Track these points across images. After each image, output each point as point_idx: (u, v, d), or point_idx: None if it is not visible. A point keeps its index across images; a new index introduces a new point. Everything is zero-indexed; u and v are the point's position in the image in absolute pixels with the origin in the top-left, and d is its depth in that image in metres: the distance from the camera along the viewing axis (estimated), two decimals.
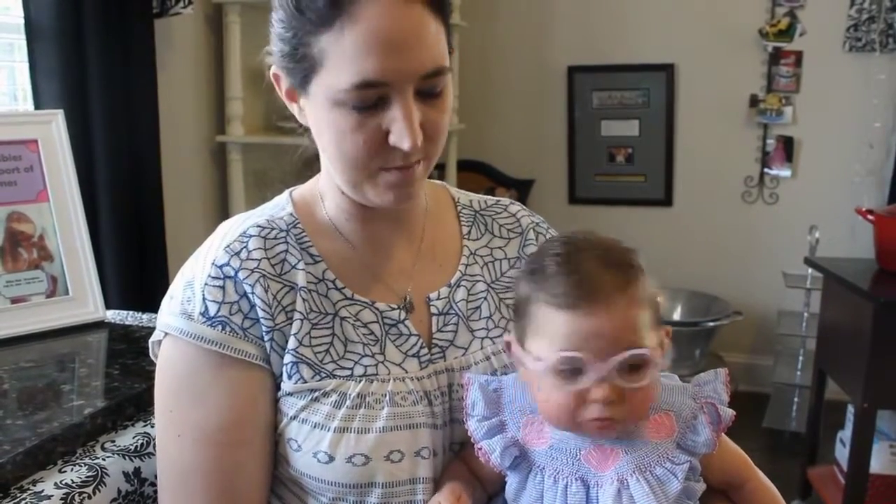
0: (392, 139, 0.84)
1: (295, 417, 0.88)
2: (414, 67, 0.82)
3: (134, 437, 1.06)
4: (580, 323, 0.80)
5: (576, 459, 0.84)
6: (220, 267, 0.90)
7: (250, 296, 0.89)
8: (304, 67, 0.85)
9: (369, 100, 0.83)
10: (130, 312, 1.50)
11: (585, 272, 0.81)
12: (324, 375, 0.89)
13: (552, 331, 0.81)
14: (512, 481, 0.86)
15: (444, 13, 0.86)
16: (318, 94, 0.85)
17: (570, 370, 0.80)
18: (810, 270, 3.17)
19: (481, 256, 1.03)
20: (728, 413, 0.86)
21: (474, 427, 0.87)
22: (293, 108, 0.93)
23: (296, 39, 0.84)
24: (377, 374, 0.90)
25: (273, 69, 0.91)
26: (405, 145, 0.83)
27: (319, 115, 0.87)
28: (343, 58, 0.81)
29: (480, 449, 0.85)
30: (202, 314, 0.88)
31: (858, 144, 3.55)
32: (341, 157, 0.87)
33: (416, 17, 0.82)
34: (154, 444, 1.03)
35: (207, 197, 2.83)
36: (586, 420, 0.81)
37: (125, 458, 1.02)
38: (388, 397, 0.89)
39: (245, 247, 0.91)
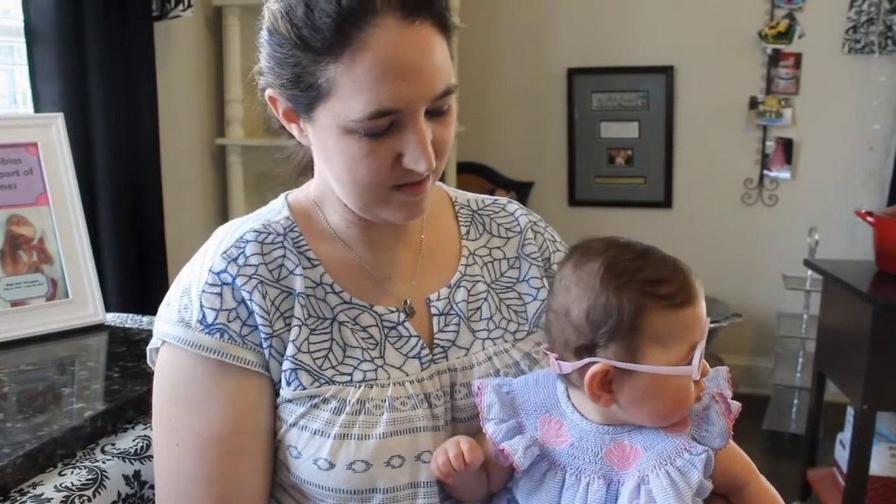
0: (407, 162, 0.84)
1: (294, 424, 0.87)
2: (427, 91, 0.82)
3: (134, 440, 1.06)
4: (695, 312, 0.84)
5: (598, 458, 0.85)
6: (218, 273, 0.89)
7: (248, 302, 0.88)
8: (309, 95, 0.83)
9: (382, 127, 0.82)
10: (130, 315, 1.50)
11: (677, 269, 0.85)
12: (323, 382, 0.88)
13: (678, 327, 0.83)
14: (527, 480, 0.86)
15: (449, 30, 0.86)
16: (326, 121, 0.84)
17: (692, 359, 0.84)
18: (810, 272, 3.17)
19: (480, 257, 1.03)
20: (736, 405, 0.87)
21: (493, 430, 0.87)
22: (291, 129, 0.92)
23: (299, 68, 0.83)
24: (377, 380, 0.90)
25: (269, 92, 0.89)
26: (421, 168, 0.84)
27: (327, 141, 0.86)
28: (355, 87, 0.80)
29: (502, 450, 0.85)
30: (200, 322, 0.87)
31: (858, 146, 3.56)
32: (353, 182, 0.86)
33: (425, 39, 0.82)
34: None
35: (207, 200, 2.83)
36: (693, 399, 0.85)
37: (125, 461, 1.02)
38: (387, 402, 0.88)
39: (242, 252, 0.90)
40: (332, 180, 0.91)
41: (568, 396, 0.90)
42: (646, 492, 0.81)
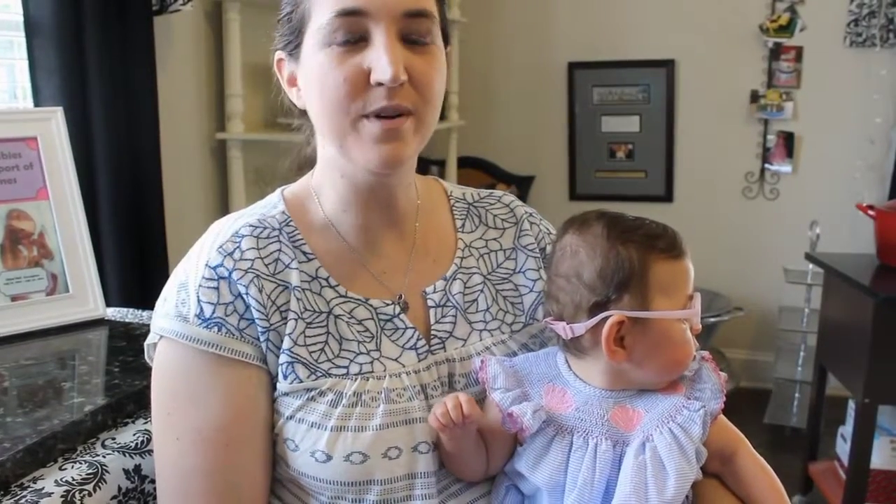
0: (373, 75, 0.84)
1: (291, 417, 0.88)
2: (394, 1, 0.84)
3: (134, 435, 1.06)
4: (688, 265, 0.92)
5: (604, 420, 0.87)
6: (214, 268, 0.89)
7: (245, 296, 0.88)
8: (294, 27, 0.89)
9: (351, 32, 0.84)
10: (130, 310, 1.50)
11: (668, 228, 0.92)
12: (319, 375, 0.89)
13: (677, 277, 0.90)
14: (531, 451, 0.88)
15: None
16: (308, 48, 0.88)
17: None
18: (811, 266, 3.17)
19: (476, 249, 1.03)
20: (722, 375, 0.92)
21: (500, 397, 0.89)
22: (292, 94, 0.95)
23: (290, 6, 0.90)
24: (373, 372, 0.90)
25: (277, 55, 0.94)
26: (385, 76, 0.83)
27: (308, 69, 0.89)
28: None
29: (511, 415, 0.86)
30: (197, 316, 0.88)
31: (859, 140, 3.55)
32: (323, 101, 0.87)
33: None
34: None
35: (208, 194, 2.83)
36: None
37: (126, 455, 1.02)
38: (383, 394, 0.89)
39: (238, 247, 0.91)
40: (314, 116, 0.92)
41: (569, 367, 0.92)
42: (650, 448, 0.84)
